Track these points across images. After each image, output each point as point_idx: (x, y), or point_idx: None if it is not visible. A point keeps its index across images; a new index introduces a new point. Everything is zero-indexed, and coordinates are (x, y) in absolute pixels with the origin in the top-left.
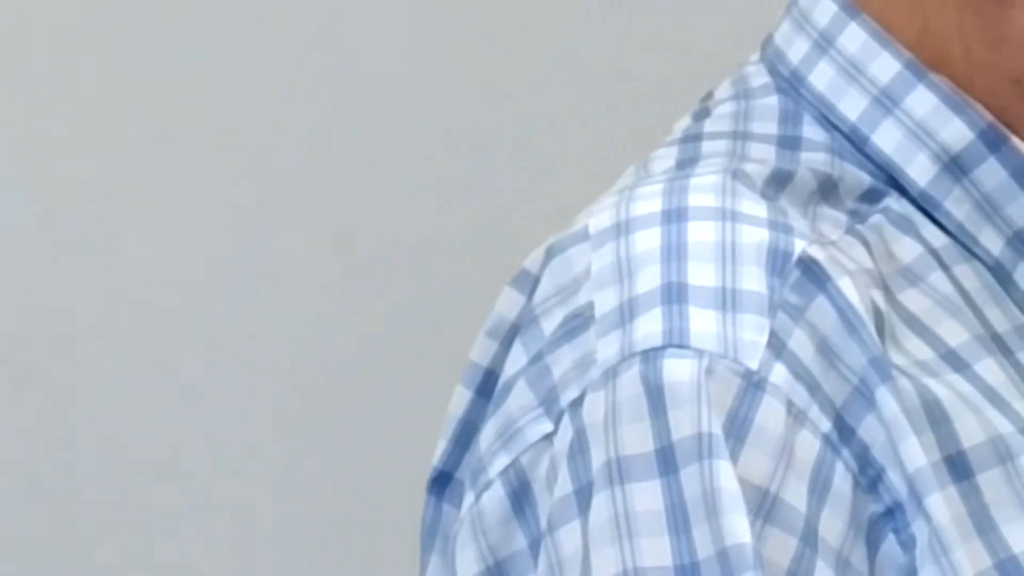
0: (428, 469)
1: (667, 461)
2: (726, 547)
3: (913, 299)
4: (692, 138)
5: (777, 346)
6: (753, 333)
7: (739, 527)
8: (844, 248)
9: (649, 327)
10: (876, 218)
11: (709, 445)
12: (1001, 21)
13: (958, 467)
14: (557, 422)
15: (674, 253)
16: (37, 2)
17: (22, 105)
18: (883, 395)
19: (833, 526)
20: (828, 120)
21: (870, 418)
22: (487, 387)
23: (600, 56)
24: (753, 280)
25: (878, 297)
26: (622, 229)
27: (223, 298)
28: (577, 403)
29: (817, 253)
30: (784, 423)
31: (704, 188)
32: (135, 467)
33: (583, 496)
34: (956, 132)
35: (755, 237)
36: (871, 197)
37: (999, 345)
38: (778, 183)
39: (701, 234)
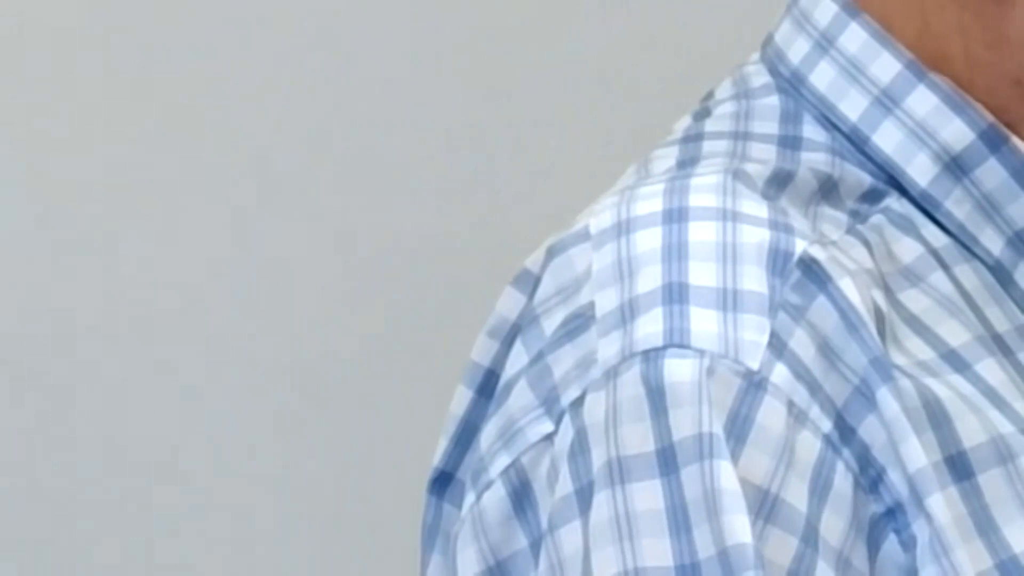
0: (428, 469)
1: (668, 461)
2: (727, 547)
3: (914, 299)
4: (693, 138)
5: (778, 346)
6: (754, 333)
7: (740, 527)
8: (845, 248)
9: (650, 327)
10: (877, 218)
11: (710, 445)
12: (1001, 21)
13: (959, 467)
14: (558, 422)
15: (675, 253)
16: (37, 2)
17: (22, 105)
18: (884, 395)
19: (834, 526)
20: (829, 120)
21: (871, 418)
22: (488, 387)
23: (600, 56)
24: (754, 280)
25: (879, 297)
26: (623, 229)
27: (223, 298)
28: (578, 403)
29: (818, 253)
30: (785, 423)
31: (705, 188)
32: (135, 467)
33: (584, 496)
34: (957, 132)
35: (756, 237)
36: (872, 197)
37: (1000, 345)
38: (779, 183)
39: (702, 234)
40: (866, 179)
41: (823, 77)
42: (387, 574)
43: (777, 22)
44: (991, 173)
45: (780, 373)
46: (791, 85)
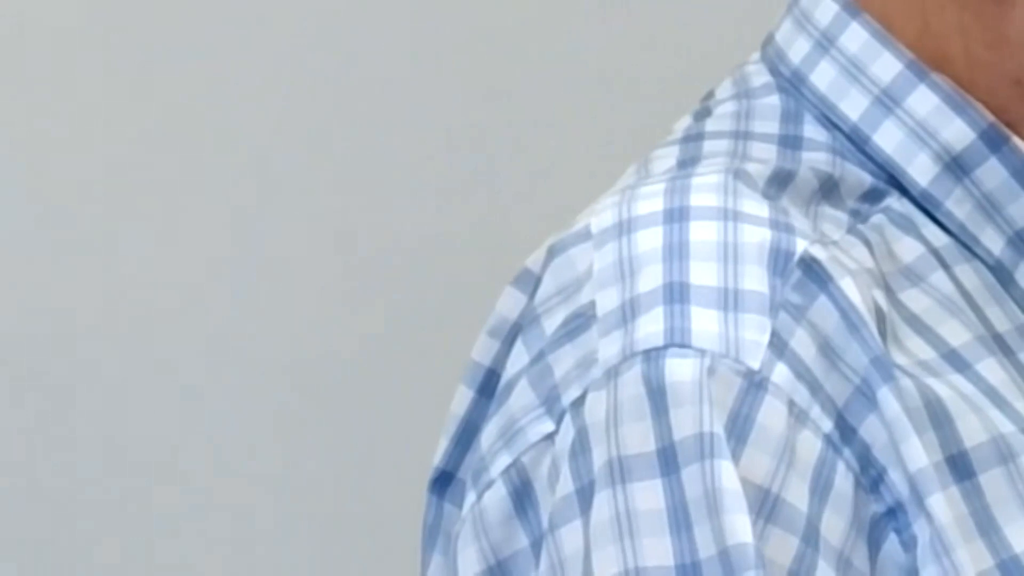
0: (428, 469)
1: (669, 461)
2: (728, 547)
3: (914, 299)
4: (693, 137)
5: (779, 346)
6: (755, 333)
7: (741, 527)
8: (846, 248)
9: (651, 326)
10: (877, 218)
11: (711, 445)
12: (1001, 21)
13: (960, 467)
14: (559, 421)
15: (676, 252)
16: (37, 2)
17: (22, 105)
18: (885, 395)
19: (835, 526)
20: (829, 120)
21: (872, 418)
22: (489, 387)
23: (600, 56)
24: (755, 280)
25: (880, 297)
26: (624, 228)
27: (223, 298)
28: (579, 402)
29: (819, 253)
30: (786, 423)
31: (706, 188)
32: (135, 467)
33: (585, 495)
34: (957, 132)
35: (757, 237)
36: (872, 197)
37: (1000, 345)
38: (780, 183)
39: (703, 234)
40: (867, 179)
41: (824, 77)
42: (387, 574)
43: (778, 22)
44: (992, 173)
45: (781, 373)
46: (792, 85)
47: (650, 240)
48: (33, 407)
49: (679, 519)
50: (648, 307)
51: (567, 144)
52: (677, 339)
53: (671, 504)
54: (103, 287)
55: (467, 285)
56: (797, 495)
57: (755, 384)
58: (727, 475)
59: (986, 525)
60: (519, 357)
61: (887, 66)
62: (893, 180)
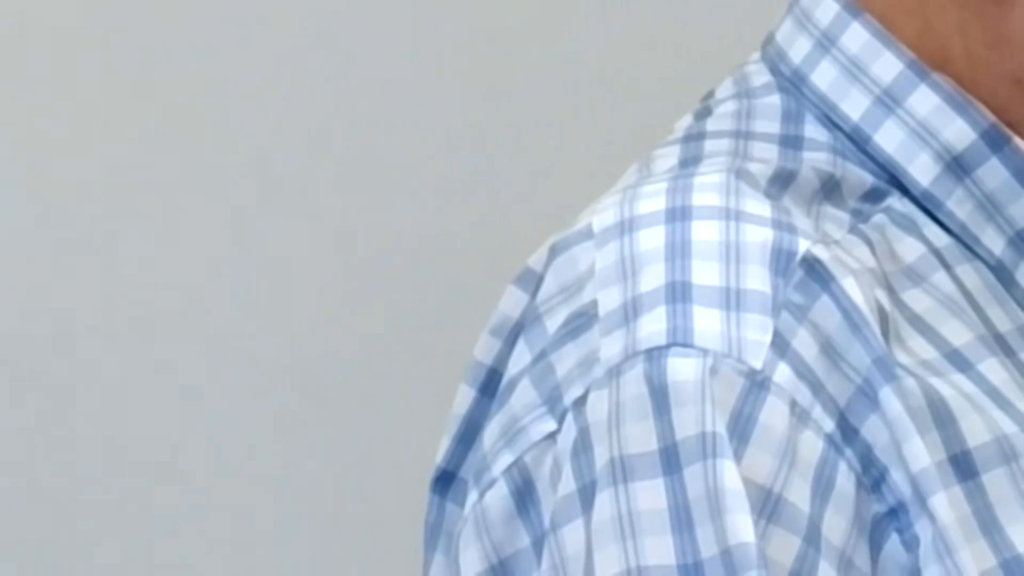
0: (428, 469)
1: (671, 460)
2: (730, 546)
3: (916, 299)
4: (694, 137)
5: (781, 346)
6: (757, 332)
7: (743, 526)
8: (848, 247)
9: (653, 326)
10: (879, 217)
11: (713, 444)
12: (1001, 21)
13: (963, 466)
14: (561, 420)
15: (678, 252)
16: (37, 2)
17: (22, 105)
18: (886, 395)
19: (836, 526)
20: (830, 119)
21: (873, 418)
22: (491, 386)
23: (600, 56)
24: (757, 279)
25: (882, 296)
26: (626, 227)
27: (223, 298)
28: (581, 402)
29: (821, 253)
30: (788, 423)
31: (708, 187)
32: (135, 467)
33: (586, 495)
34: (958, 132)
35: (759, 236)
36: (873, 197)
37: (1001, 345)
38: (781, 182)
39: (705, 233)
40: (868, 179)
41: (824, 76)
42: (387, 574)
43: (778, 21)
44: (993, 173)
45: (783, 373)
46: (792, 84)
47: (652, 239)
48: (33, 407)
49: (681, 519)
50: (650, 306)
51: (567, 144)
52: (679, 338)
53: (673, 504)
54: (103, 287)
55: (467, 285)
56: (799, 495)
57: (757, 384)
58: (729, 475)
59: (989, 525)
60: (521, 356)
61: (888, 66)
62: (894, 180)
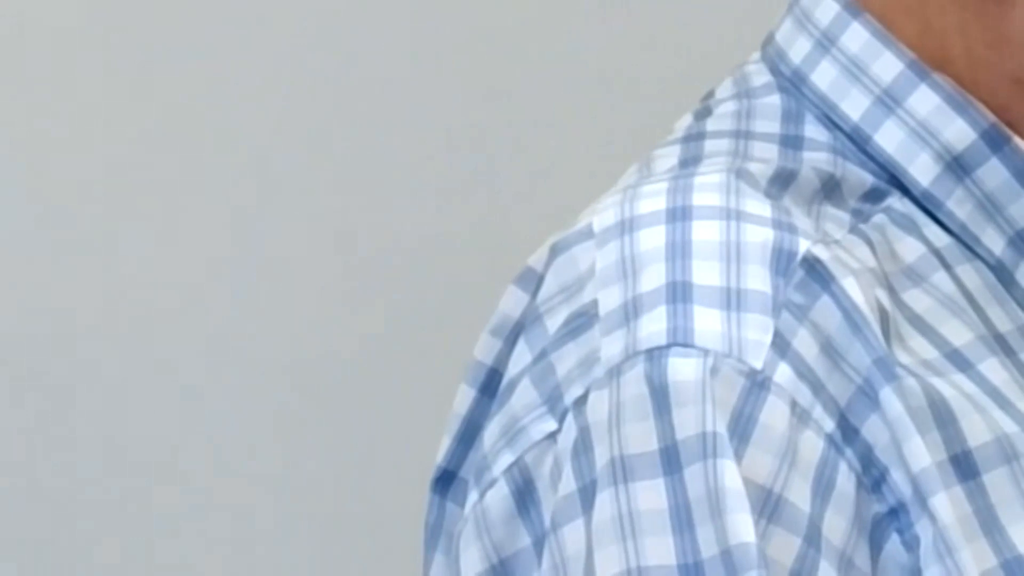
0: (428, 469)
1: (671, 460)
2: (730, 546)
3: (917, 299)
4: (694, 137)
5: (781, 346)
6: (757, 332)
7: (743, 526)
8: (848, 247)
9: (653, 326)
10: (879, 217)
11: (713, 444)
12: (1001, 21)
13: (964, 466)
14: (561, 420)
15: (678, 252)
16: (37, 2)
17: (22, 105)
18: (887, 395)
19: (837, 526)
20: (830, 119)
21: (874, 418)
22: (491, 386)
23: (600, 56)
24: (757, 279)
25: (882, 296)
26: (626, 227)
27: (223, 298)
28: (581, 401)
29: (821, 253)
30: (788, 423)
31: (708, 187)
32: (135, 467)
33: (587, 495)
34: (958, 132)
35: (759, 236)
36: (873, 197)
37: (1002, 345)
38: (782, 182)
39: (705, 233)
40: (868, 178)
41: (824, 76)
42: (387, 574)
43: (778, 21)
44: (993, 173)
45: (783, 373)
46: (792, 84)
47: (652, 239)
48: (33, 407)
49: (681, 519)
50: (651, 306)
51: (567, 144)
52: (680, 338)
53: (673, 504)
54: (103, 287)
55: (467, 285)
56: (799, 495)
57: (758, 384)
58: (729, 475)
59: (990, 525)
60: (521, 356)
61: (888, 66)
62: (894, 180)
